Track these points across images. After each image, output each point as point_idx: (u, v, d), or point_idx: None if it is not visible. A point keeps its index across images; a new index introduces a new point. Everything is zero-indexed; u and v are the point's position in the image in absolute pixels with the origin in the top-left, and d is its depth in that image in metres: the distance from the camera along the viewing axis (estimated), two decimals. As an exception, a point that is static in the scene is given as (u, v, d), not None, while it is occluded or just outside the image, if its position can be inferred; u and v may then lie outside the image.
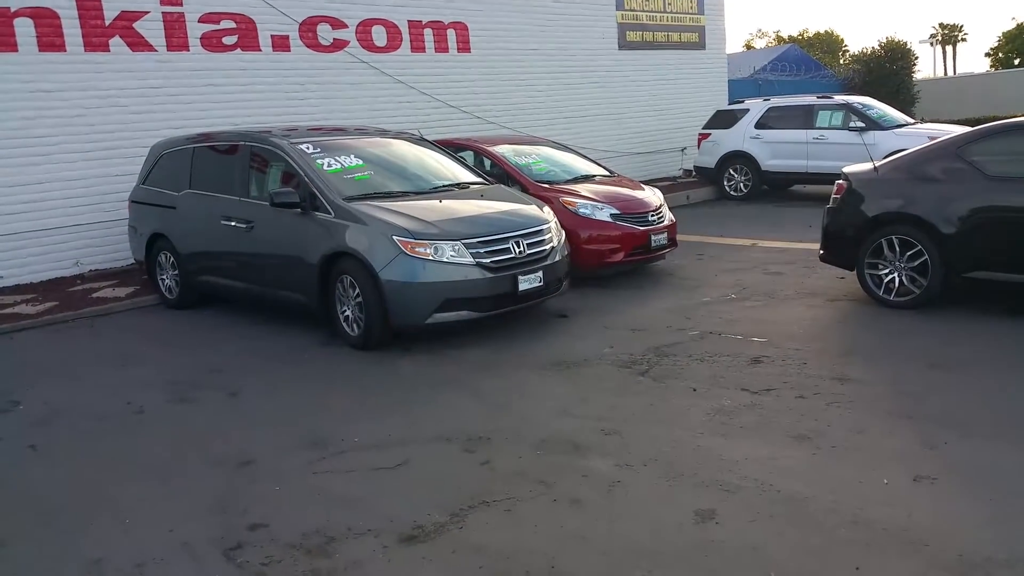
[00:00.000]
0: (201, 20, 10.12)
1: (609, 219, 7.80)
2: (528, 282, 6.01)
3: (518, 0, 13.87)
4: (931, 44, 59.45)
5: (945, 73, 53.94)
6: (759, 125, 13.97)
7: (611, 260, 7.79)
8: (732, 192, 14.26)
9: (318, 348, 6.16)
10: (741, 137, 14.05)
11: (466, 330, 6.11)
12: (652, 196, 8.39)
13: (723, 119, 14.62)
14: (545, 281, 6.15)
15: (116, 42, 9.39)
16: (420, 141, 7.55)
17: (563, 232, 6.79)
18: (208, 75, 10.24)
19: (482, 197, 6.66)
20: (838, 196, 6.76)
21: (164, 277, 7.84)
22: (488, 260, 5.83)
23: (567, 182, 8.37)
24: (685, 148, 16.56)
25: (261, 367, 5.79)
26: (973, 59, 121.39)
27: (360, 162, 6.51)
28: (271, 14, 10.81)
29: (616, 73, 15.86)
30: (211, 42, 10.25)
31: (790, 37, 51.37)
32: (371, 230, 5.77)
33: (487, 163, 8.56)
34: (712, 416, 4.40)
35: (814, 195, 13.90)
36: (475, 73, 13.41)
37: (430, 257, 5.66)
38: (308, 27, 11.26)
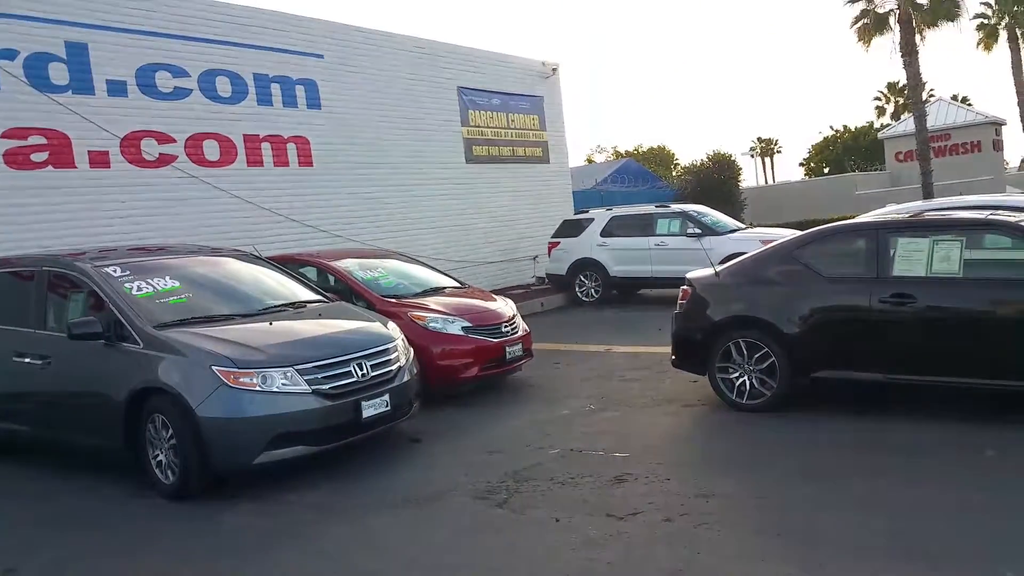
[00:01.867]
0: (4, 136, 9.20)
1: (461, 332, 7.45)
2: (373, 408, 5.46)
3: (359, 115, 13.79)
4: (751, 156, 65.62)
5: (766, 181, 59.46)
6: (604, 233, 14.38)
7: (465, 375, 7.39)
8: (584, 298, 14.44)
9: (125, 502, 5.23)
10: (589, 245, 14.38)
11: (304, 467, 5.42)
12: (504, 306, 8.16)
13: (571, 228, 14.96)
14: (392, 405, 5.63)
15: None
16: (252, 258, 6.96)
17: (411, 349, 6.34)
18: (12, 194, 9.23)
19: (320, 316, 6.12)
20: (684, 302, 6.78)
21: None
22: (326, 386, 5.25)
23: (416, 295, 8.00)
24: (536, 256, 16.78)
25: (50, 535, 4.80)
26: (788, 168, 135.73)
27: (176, 284, 5.81)
28: (89, 130, 10.03)
29: (465, 185, 16.01)
30: (16, 159, 9.32)
31: (627, 152, 55.18)
32: (186, 361, 5.07)
33: (332, 279, 8.05)
34: (577, 551, 3.97)
35: (661, 298, 14.32)
36: (318, 186, 13.05)
37: (257, 388, 5.01)
38: (131, 142, 10.54)
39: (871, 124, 51.22)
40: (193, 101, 11.33)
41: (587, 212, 15.41)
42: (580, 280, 14.54)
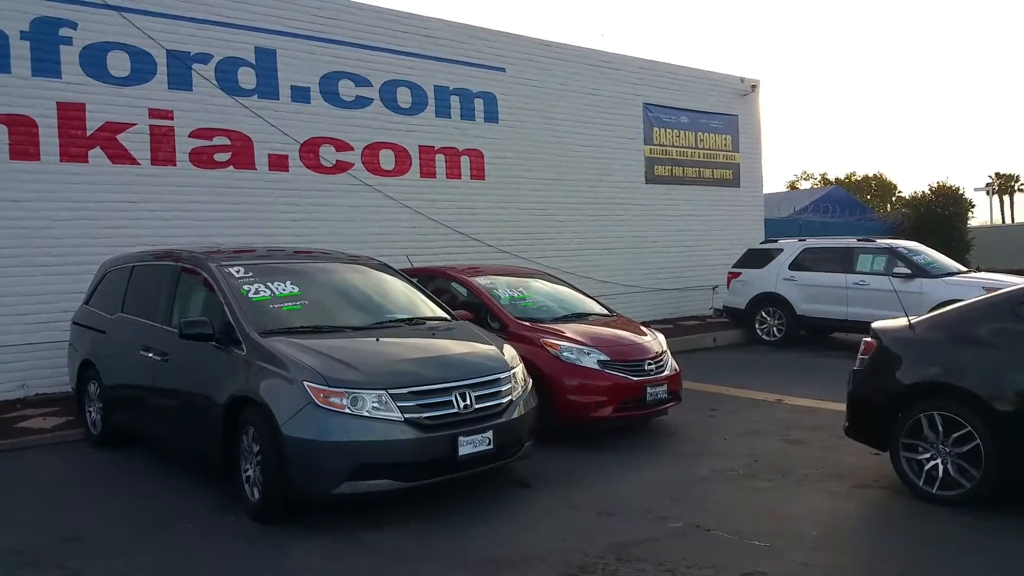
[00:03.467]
0: (192, 135, 9.74)
1: (596, 366, 6.69)
2: (472, 444, 4.87)
3: (537, 130, 13.42)
4: (987, 193, 58.39)
5: (1003, 221, 52.50)
6: (794, 266, 12.91)
7: (597, 414, 6.62)
8: (764, 336, 13.03)
9: (209, 515, 5.02)
10: (774, 278, 12.97)
11: (399, 500, 4.93)
12: (652, 342, 7.28)
13: (755, 258, 13.61)
14: (496, 443, 5.00)
15: (96, 153, 9.00)
16: (387, 269, 6.66)
17: (530, 381, 5.69)
18: (194, 191, 9.75)
19: (433, 336, 5.66)
20: (866, 357, 5.56)
21: (91, 410, 6.94)
22: (421, 416, 4.74)
23: (555, 320, 7.35)
24: (716, 287, 15.53)
25: (126, 540, 4.67)
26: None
27: (295, 289, 5.60)
28: (271, 133, 10.43)
29: (642, 207, 15.14)
30: (201, 158, 9.82)
31: (836, 179, 50.75)
32: (280, 373, 4.78)
33: (468, 295, 7.61)
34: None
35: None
36: (489, 200, 12.81)
37: (346, 410, 4.59)
38: (310, 147, 10.84)
39: None
40: (373, 110, 11.50)
41: (776, 241, 13.96)
42: (761, 316, 13.14)
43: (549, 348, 6.73)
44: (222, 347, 5.20)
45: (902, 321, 5.59)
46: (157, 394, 5.89)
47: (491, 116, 12.91)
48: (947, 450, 4.99)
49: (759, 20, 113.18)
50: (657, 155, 15.55)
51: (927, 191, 24.48)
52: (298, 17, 10.68)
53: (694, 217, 16.06)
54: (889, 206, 40.74)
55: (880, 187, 50.99)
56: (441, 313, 6.22)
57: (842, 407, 7.79)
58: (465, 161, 12.58)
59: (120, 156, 9.16)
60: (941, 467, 5.01)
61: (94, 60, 8.97)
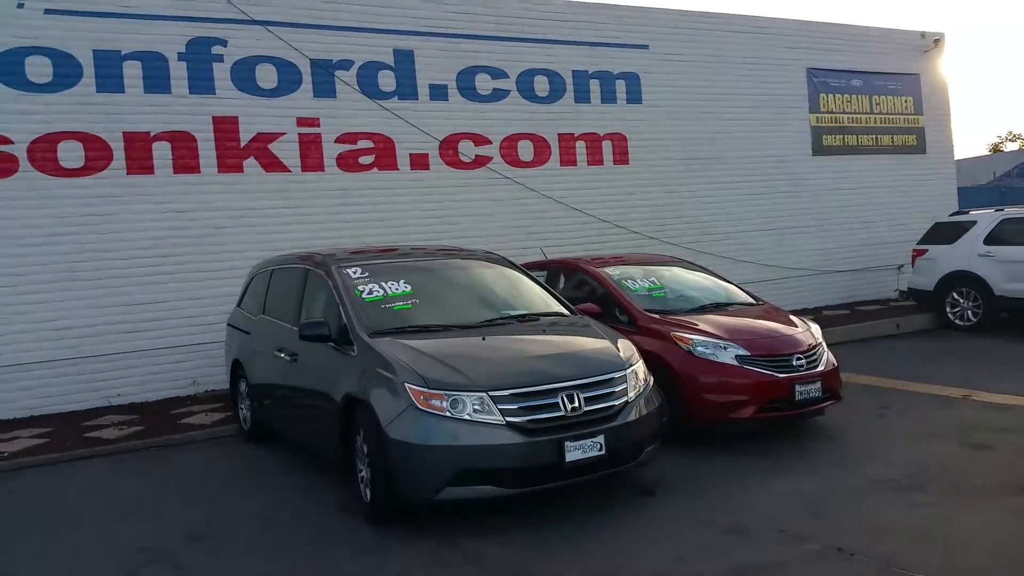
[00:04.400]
0: (338, 140, 10.08)
1: (734, 362, 6.10)
2: (580, 450, 4.54)
3: (685, 108, 12.68)
4: None
5: None
6: (990, 240, 11.29)
7: (736, 415, 6.04)
8: (957, 321, 11.52)
9: (329, 515, 5.07)
10: (967, 254, 11.41)
11: (515, 505, 4.73)
12: (802, 333, 6.55)
13: (944, 233, 12.04)
14: (609, 449, 4.65)
15: (250, 163, 9.54)
16: (504, 262, 6.48)
17: (651, 379, 5.26)
18: (342, 195, 10.10)
19: (544, 333, 5.38)
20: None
21: (242, 407, 7.36)
22: (523, 419, 4.48)
23: (690, 312, 6.80)
24: (902, 266, 14.00)
25: (246, 539, 4.81)
26: None
27: (408, 288, 5.54)
28: (411, 133, 10.58)
29: (810, 181, 13.91)
30: (347, 162, 10.15)
31: (1051, 139, 44.29)
32: (386, 373, 4.71)
33: (597, 287, 7.24)
34: None
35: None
36: (633, 186, 12.28)
37: (446, 413, 4.44)
38: (449, 144, 10.89)
39: None
40: (510, 102, 11.36)
41: (967, 213, 12.30)
42: (952, 298, 11.61)
43: (680, 343, 6.23)
44: (339, 348, 5.24)
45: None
46: (289, 393, 6.09)
47: (634, 97, 12.35)
48: None
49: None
50: (825, 123, 14.21)
51: None
52: (433, 16, 10.75)
53: (872, 189, 14.53)
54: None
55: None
56: (559, 308, 5.93)
57: (1041, 405, 6.73)
58: (607, 146, 12.14)
59: (272, 164, 9.66)
60: None
61: (244, 75, 9.51)
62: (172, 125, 9.11)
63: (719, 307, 7.01)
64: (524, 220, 11.33)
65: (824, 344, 6.66)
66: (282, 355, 6.07)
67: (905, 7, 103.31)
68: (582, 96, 11.93)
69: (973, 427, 6.35)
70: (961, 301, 11.53)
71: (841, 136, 14.38)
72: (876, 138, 14.78)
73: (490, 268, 6.34)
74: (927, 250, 12.10)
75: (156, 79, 9.03)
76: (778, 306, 7.47)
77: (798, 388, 6.11)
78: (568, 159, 11.81)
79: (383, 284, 5.55)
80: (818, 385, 6.24)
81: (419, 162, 10.70)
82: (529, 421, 4.49)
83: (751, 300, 7.33)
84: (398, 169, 10.56)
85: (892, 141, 14.95)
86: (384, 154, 10.44)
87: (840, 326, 11.25)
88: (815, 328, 6.78)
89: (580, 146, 11.90)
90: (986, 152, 37.99)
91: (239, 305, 7.77)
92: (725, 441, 6.19)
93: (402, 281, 5.62)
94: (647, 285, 7.12)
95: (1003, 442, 5.87)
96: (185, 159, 9.18)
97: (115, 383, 8.89)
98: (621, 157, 12.21)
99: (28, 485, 6.24)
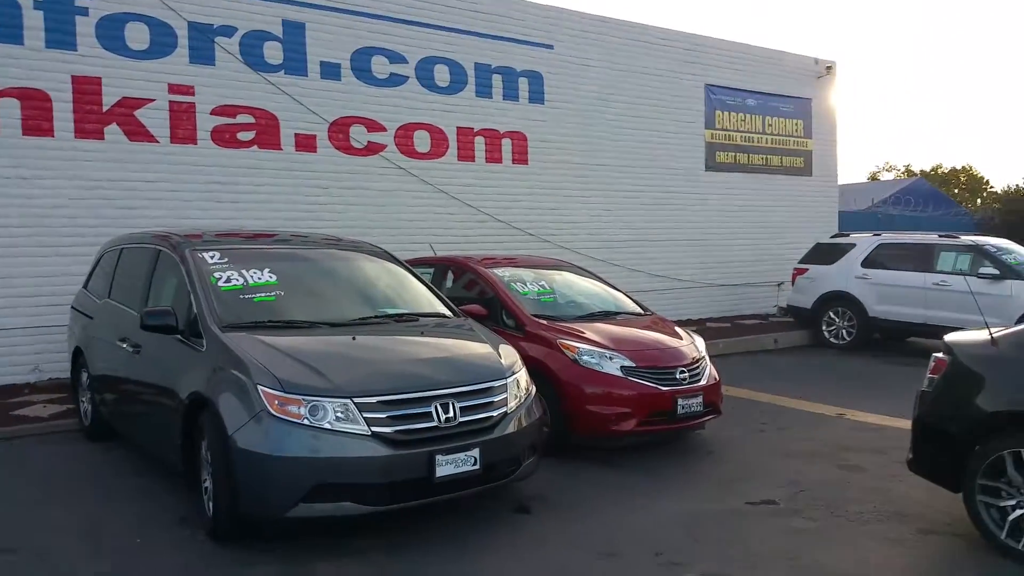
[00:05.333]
0: (214, 112, 9.29)
1: (619, 373, 5.89)
2: (453, 464, 4.16)
3: (586, 112, 12.56)
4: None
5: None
6: (867, 263, 11.75)
7: (617, 428, 5.82)
8: (831, 339, 11.92)
9: (165, 529, 4.46)
10: (845, 276, 11.84)
11: (364, 524, 4.28)
12: (687, 346, 6.43)
13: (824, 253, 12.47)
14: (484, 463, 4.29)
15: (112, 130, 8.63)
16: (390, 258, 6.01)
17: (533, 388, 4.95)
18: (216, 172, 9.32)
19: (422, 335, 4.97)
20: (936, 376, 4.60)
21: (83, 399, 6.55)
22: (391, 429, 4.06)
23: (578, 319, 6.56)
24: (781, 283, 14.42)
25: (62, 552, 4.16)
26: None
27: (272, 279, 4.99)
28: (298, 111, 9.91)
29: (702, 196, 14.10)
30: (223, 136, 9.37)
31: (921, 171, 47.66)
32: (236, 373, 4.17)
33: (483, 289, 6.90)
34: None
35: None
36: (531, 187, 12.04)
37: (303, 420, 3.95)
38: (340, 127, 10.29)
39: None
40: (408, 89, 10.87)
41: (847, 236, 12.76)
42: (828, 317, 12.02)
43: (567, 351, 5.96)
44: (186, 341, 4.64)
45: (982, 334, 4.61)
46: (130, 388, 5.39)
47: (536, 97, 12.12)
48: (1038, 497, 4.03)
49: None
50: (719, 140, 14.47)
51: (1022, 185, 22.51)
52: (330, -12, 10.13)
53: (759, 208, 14.91)
54: (980, 201, 37.96)
55: (969, 181, 47.73)
56: (441, 308, 5.53)
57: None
58: (507, 144, 11.84)
59: (137, 133, 8.77)
60: (1029, 517, 4.06)
61: (111, 32, 8.59)
62: (23, 81, 8.10)
63: (607, 315, 6.81)
64: (416, 214, 10.86)
65: (707, 358, 6.57)
66: (124, 345, 5.38)
67: (797, 34, 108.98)
68: (483, 90, 11.59)
69: (848, 447, 6.40)
70: (836, 320, 11.94)
71: (734, 154, 14.67)
72: (766, 158, 15.18)
73: (371, 262, 5.85)
74: (808, 269, 12.47)
75: (6, 27, 8.01)
76: (664, 317, 7.35)
77: (680, 402, 5.97)
78: (466, 154, 11.43)
79: (244, 272, 4.96)
80: (700, 399, 6.12)
81: (305, 143, 10.05)
82: (397, 432, 4.07)
83: (639, 310, 7.17)
84: (281, 149, 9.87)
85: (781, 162, 15.41)
86: (266, 131, 9.72)
87: (722, 339, 11.39)
88: (699, 341, 6.68)
89: (479, 142, 11.54)
90: (865, 179, 40.34)
91: (85, 286, 6.93)
92: (605, 454, 5.96)
93: (267, 270, 5.05)
94: (536, 289, 6.84)
95: (875, 464, 5.92)
96: (36, 120, 8.18)
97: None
98: (520, 156, 11.94)
99: None
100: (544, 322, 6.30)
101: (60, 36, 8.29)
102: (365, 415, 4.01)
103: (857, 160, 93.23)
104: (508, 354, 4.93)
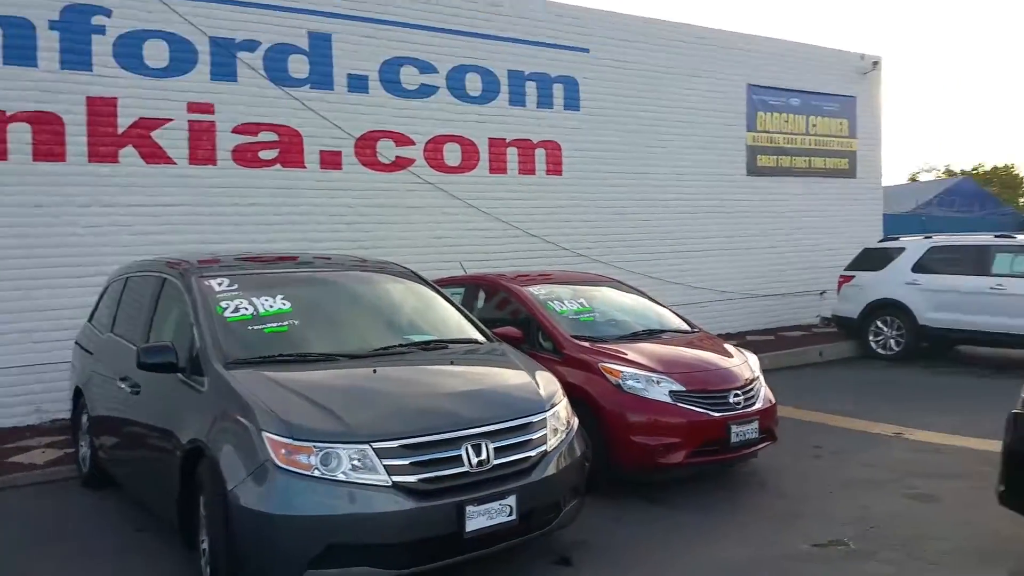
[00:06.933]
0: (236, 131, 8.99)
1: (668, 399, 5.40)
2: (486, 516, 3.71)
3: (623, 118, 12.06)
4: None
5: None
6: (918, 268, 11.09)
7: (665, 461, 5.32)
8: (879, 350, 11.28)
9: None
10: (894, 282, 11.19)
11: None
12: (740, 366, 5.91)
13: (871, 259, 11.82)
14: (522, 512, 3.83)
15: (127, 152, 8.32)
16: (413, 277, 5.59)
17: (575, 420, 4.48)
18: (237, 193, 8.99)
19: (452, 364, 4.53)
20: (1034, 401, 4.05)
21: (82, 443, 6.08)
22: (414, 478, 3.62)
23: (620, 339, 6.07)
24: (824, 292, 13.76)
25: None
26: None
27: (286, 306, 4.59)
28: (323, 127, 9.58)
29: (743, 202, 13.48)
30: (244, 156, 9.06)
31: (962, 172, 46.09)
32: (237, 417, 3.76)
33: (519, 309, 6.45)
34: None
35: (992, 359, 10.71)
36: (566, 199, 11.56)
37: (314, 471, 3.52)
38: (366, 142, 9.94)
39: None
40: (438, 100, 10.48)
41: (896, 240, 12.09)
42: (876, 327, 11.36)
43: (609, 375, 5.49)
44: (187, 380, 4.23)
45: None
46: (128, 433, 4.95)
47: (571, 103, 11.65)
48: None
49: None
50: (762, 143, 13.86)
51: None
52: (356, -4, 9.79)
53: (803, 213, 14.24)
54: (1021, 200, 36.53)
55: (1009, 180, 46.04)
56: (473, 333, 5.09)
57: (979, 444, 6.32)
58: (540, 154, 11.40)
59: (154, 155, 8.47)
60: None
61: (129, 50, 8.30)
62: (36, 104, 7.86)
63: (652, 334, 6.33)
64: (446, 231, 10.45)
65: (761, 377, 6.05)
66: (124, 385, 4.95)
67: (847, 30, 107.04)
68: (517, 99, 11.16)
69: (912, 471, 5.86)
70: (885, 330, 11.30)
71: (776, 157, 14.07)
72: (810, 160, 14.55)
73: (396, 283, 5.43)
74: (854, 276, 11.86)
75: (20, 49, 7.79)
76: (712, 334, 6.84)
77: (734, 429, 5.47)
78: (498, 166, 11.01)
79: (254, 300, 4.55)
80: (755, 425, 5.61)
81: (330, 160, 9.71)
82: (422, 480, 3.62)
83: (686, 327, 6.67)
84: (305, 167, 9.53)
85: (825, 164, 14.75)
86: (290, 149, 9.40)
87: (766, 353, 10.81)
88: (752, 359, 6.17)
89: (511, 153, 11.12)
90: (906, 181, 39.13)
91: (90, 320, 6.46)
92: (651, 489, 5.47)
93: (279, 297, 4.64)
94: (575, 308, 6.37)
95: (949, 492, 5.38)
96: (48, 145, 7.91)
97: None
98: (554, 167, 11.49)
99: None
100: (584, 344, 5.83)
101: (75, 56, 8.02)
102: (385, 462, 3.58)
103: (896, 161, 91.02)
104: (547, 383, 4.47)
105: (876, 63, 15.21)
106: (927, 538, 4.55)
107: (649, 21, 12.56)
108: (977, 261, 10.58)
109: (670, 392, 5.43)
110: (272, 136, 9.26)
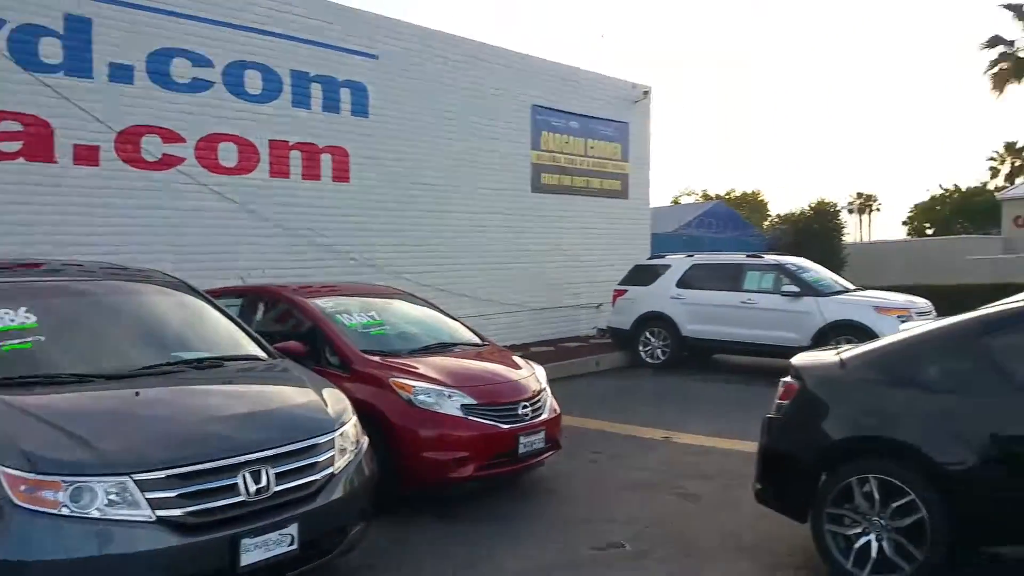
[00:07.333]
0: (-33, 117, 7.78)
1: (459, 413, 5.37)
2: (263, 548, 3.42)
3: (412, 128, 12.02)
4: (848, 211, 61.54)
5: (861, 239, 55.47)
6: (681, 284, 12.11)
7: (456, 475, 5.29)
8: (648, 359, 12.17)
9: None
10: (661, 296, 12.13)
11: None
12: (528, 378, 6.04)
13: (642, 275, 12.75)
14: (303, 541, 3.58)
15: None
16: (180, 288, 5.07)
17: (363, 440, 4.30)
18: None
19: (229, 383, 4.17)
20: (785, 403, 4.49)
21: None
22: (180, 511, 3.25)
23: (413, 353, 5.97)
24: (601, 304, 14.61)
25: None
26: (885, 227, 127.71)
27: (31, 320, 3.97)
28: (79, 119, 8.57)
29: (527, 218, 14.00)
30: (-20, 146, 7.87)
31: (716, 196, 52.12)
32: (-32, 452, 3.19)
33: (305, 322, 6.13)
34: None
35: (742, 367, 11.93)
36: (353, 207, 11.29)
37: (62, 510, 3.06)
38: (129, 137, 9.02)
39: (984, 184, 47.36)
40: (213, 96, 9.78)
41: (663, 257, 13.15)
42: (645, 337, 12.27)
43: (400, 390, 5.36)
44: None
45: (830, 356, 4.58)
46: None
47: (360, 109, 11.42)
48: (884, 523, 3.99)
49: (642, 25, 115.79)
50: (545, 162, 14.47)
51: (807, 208, 24.72)
52: (122, -21, 8.89)
53: (582, 230, 15.07)
54: (766, 223, 41.71)
55: (754, 205, 52.70)
56: (252, 348, 4.72)
57: (740, 446, 6.94)
58: (327, 160, 11.03)
59: None
60: (875, 544, 4.00)
61: None
62: None
63: (444, 348, 6.28)
64: (220, 236, 9.77)
65: (548, 389, 6.23)
66: None
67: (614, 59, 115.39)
68: (301, 100, 10.72)
69: (681, 473, 6.32)
70: (652, 340, 12.21)
71: (558, 176, 14.76)
72: (588, 180, 15.42)
73: (164, 295, 4.89)
74: (627, 291, 12.70)
75: None
76: (502, 347, 6.94)
77: (523, 440, 5.57)
78: (280, 170, 10.49)
79: (-8, 314, 3.92)
80: (542, 435, 5.75)
81: (86, 156, 8.71)
82: (190, 514, 3.26)
83: (476, 339, 6.71)
84: (56, 162, 8.48)
85: (601, 185, 15.72)
86: (37, 141, 8.31)
87: (548, 363, 11.24)
88: (540, 371, 6.34)
89: (295, 156, 10.65)
90: (669, 203, 43.08)
91: None
92: (440, 504, 5.41)
93: (23, 310, 4.00)
94: (364, 321, 6.16)
95: (711, 491, 5.85)
96: None
97: None
98: (341, 174, 11.17)
99: None
100: (375, 358, 5.64)
101: None
102: (148, 495, 3.18)
103: (662, 184, 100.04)
104: (336, 400, 4.24)
105: (647, 92, 16.51)
106: (696, 535, 4.91)
107: (439, 35, 12.68)
108: (731, 278, 11.75)
109: (462, 406, 5.40)
110: (16, 126, 8.15)
